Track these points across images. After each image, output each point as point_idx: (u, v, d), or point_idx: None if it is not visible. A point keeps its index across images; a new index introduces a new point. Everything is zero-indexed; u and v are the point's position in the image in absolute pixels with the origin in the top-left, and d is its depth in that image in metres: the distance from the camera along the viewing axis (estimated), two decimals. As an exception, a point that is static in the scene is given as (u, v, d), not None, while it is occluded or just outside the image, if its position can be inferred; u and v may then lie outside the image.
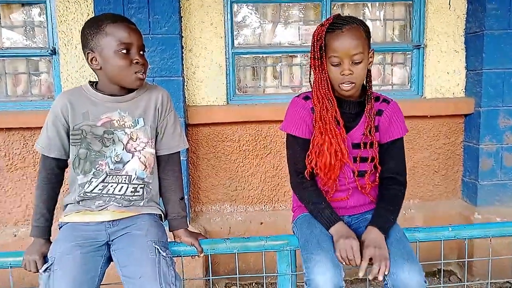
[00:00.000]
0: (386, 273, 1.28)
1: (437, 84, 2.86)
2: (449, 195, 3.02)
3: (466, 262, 1.58)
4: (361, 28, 1.38)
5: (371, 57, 1.42)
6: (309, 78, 1.49)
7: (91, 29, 1.34)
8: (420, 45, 2.82)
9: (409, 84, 2.93)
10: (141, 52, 1.38)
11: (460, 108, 2.85)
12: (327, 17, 1.42)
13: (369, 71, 1.47)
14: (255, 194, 2.86)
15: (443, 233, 1.54)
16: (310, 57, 1.44)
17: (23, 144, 2.63)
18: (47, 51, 2.64)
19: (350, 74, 1.36)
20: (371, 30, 1.45)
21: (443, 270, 2.89)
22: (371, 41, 1.44)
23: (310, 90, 1.50)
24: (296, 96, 1.53)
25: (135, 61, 1.35)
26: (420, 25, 2.82)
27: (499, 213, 2.76)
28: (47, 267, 1.32)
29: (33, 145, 2.62)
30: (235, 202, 2.85)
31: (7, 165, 2.65)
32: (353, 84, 1.38)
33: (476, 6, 2.68)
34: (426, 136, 2.91)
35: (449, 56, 2.83)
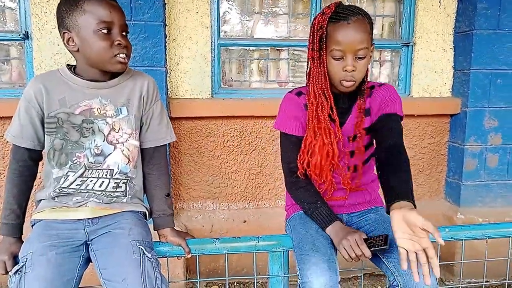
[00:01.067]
0: (437, 275, 1.08)
1: (424, 83, 2.84)
2: (433, 194, 3.01)
3: (462, 264, 1.53)
4: (366, 21, 1.28)
5: (372, 51, 1.33)
6: (306, 71, 1.40)
7: (68, 5, 1.20)
8: (409, 43, 2.79)
9: (397, 82, 2.89)
10: (124, 33, 1.25)
11: (446, 108, 2.84)
12: (328, 5, 1.30)
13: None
14: (239, 192, 2.77)
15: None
16: (308, 48, 1.33)
17: (-8, 134, 2.45)
18: (19, 35, 2.46)
19: (353, 70, 1.26)
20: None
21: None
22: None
23: (303, 85, 1.42)
24: (289, 92, 1.43)
25: (116, 42, 1.22)
26: (410, 22, 2.78)
27: (482, 214, 2.76)
28: (18, 269, 1.18)
29: (2, 135, 2.44)
30: (218, 200, 2.75)
31: (-27, 157, 2.46)
32: (355, 82, 1.29)
33: (467, 5, 2.66)
34: (412, 135, 2.88)
35: (437, 55, 2.80)
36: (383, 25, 2.94)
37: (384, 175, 1.24)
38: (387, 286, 1.35)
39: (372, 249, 1.23)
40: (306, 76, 1.39)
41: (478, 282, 2.67)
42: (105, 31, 1.20)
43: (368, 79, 1.41)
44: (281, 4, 2.80)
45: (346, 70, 1.26)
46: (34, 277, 1.15)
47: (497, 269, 1.93)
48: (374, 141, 1.43)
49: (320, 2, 2.69)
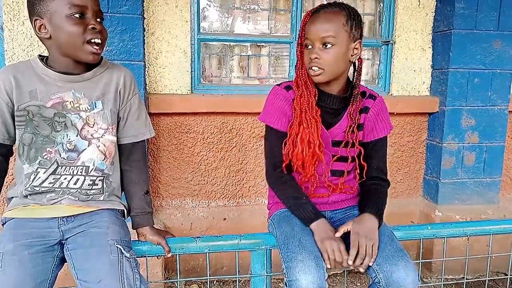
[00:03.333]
0: (370, 264, 1.23)
1: (403, 81, 2.86)
2: (411, 192, 3.04)
3: (443, 261, 1.55)
4: (343, 12, 1.29)
5: (356, 48, 1.32)
6: (295, 65, 1.41)
7: None
8: (389, 41, 2.81)
9: (377, 80, 2.91)
10: (98, 20, 1.19)
11: (425, 107, 2.87)
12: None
13: (355, 65, 1.39)
14: (219, 189, 2.73)
15: (422, 231, 1.51)
16: (297, 43, 1.38)
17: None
18: (-10, 26, 2.36)
19: (317, 58, 1.28)
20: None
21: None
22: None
23: (292, 80, 1.42)
24: (277, 85, 1.42)
25: (90, 26, 1.16)
26: (389, 21, 2.79)
27: (459, 211, 2.81)
28: None
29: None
30: (197, 197, 2.71)
31: None
32: (322, 70, 1.30)
33: (445, 5, 2.69)
34: (392, 133, 2.89)
35: (416, 53, 2.83)
36: (363, 23, 2.94)
37: (362, 193, 1.45)
38: (369, 283, 1.35)
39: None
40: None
41: (455, 279, 2.72)
42: (77, 15, 1.15)
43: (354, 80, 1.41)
44: (262, 0, 2.77)
45: (310, 58, 1.29)
46: (5, 279, 1.08)
47: (473, 265, 1.97)
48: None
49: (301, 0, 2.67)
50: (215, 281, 2.63)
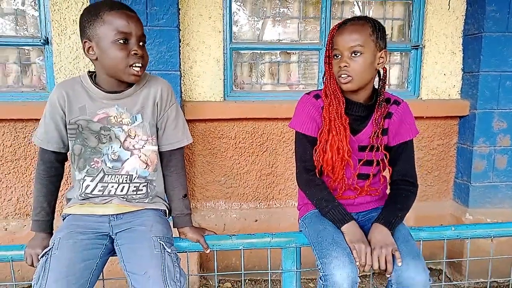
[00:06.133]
0: (390, 271, 1.29)
1: (433, 85, 2.88)
2: (441, 195, 3.04)
3: (468, 261, 1.58)
4: (368, 24, 1.38)
5: (382, 57, 1.40)
6: (323, 79, 1.49)
7: (89, 16, 1.27)
8: (418, 46, 2.83)
9: (406, 85, 2.94)
10: (141, 43, 1.30)
11: (455, 110, 2.87)
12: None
13: (380, 74, 1.46)
14: (250, 192, 2.83)
15: (445, 232, 1.55)
16: (325, 56, 1.47)
17: (14, 136, 2.54)
18: (40, 40, 2.56)
19: (346, 66, 1.36)
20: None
21: (432, 269, 2.92)
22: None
23: (320, 89, 1.51)
24: (306, 94, 1.51)
25: (133, 52, 1.27)
26: (419, 25, 2.82)
27: (490, 215, 2.79)
28: (46, 251, 1.28)
29: (24, 138, 2.54)
30: (230, 199, 2.82)
31: (-4, 157, 2.57)
32: (350, 78, 1.37)
33: (476, 8, 2.69)
34: (421, 137, 2.92)
35: (446, 57, 2.84)
36: (392, 28, 2.98)
37: (387, 197, 1.50)
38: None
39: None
40: (323, 80, 1.50)
41: (486, 283, 2.71)
42: (122, 41, 1.26)
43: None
44: (291, 8, 2.87)
45: (340, 67, 1.37)
46: (58, 258, 1.24)
47: (506, 269, 1.97)
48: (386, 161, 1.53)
49: (330, 6, 2.75)
50: (247, 280, 2.74)
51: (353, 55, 1.36)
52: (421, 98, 2.89)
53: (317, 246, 1.36)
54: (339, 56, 1.38)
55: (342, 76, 1.38)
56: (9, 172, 2.59)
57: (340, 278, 1.24)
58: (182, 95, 2.65)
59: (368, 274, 2.69)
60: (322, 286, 1.28)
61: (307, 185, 1.49)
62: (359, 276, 1.28)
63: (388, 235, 1.34)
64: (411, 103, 1.56)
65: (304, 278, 2.65)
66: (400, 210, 1.43)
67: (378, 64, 1.41)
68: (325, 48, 1.47)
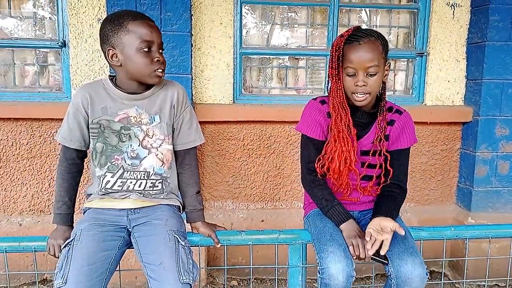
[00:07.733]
0: (382, 253, 1.36)
1: (437, 91, 2.95)
2: (444, 200, 3.10)
3: (466, 261, 1.65)
4: (379, 42, 1.43)
5: (386, 70, 1.48)
6: (326, 85, 1.56)
7: (113, 25, 1.36)
8: (423, 53, 2.91)
9: (411, 91, 3.01)
10: (160, 50, 1.41)
11: (459, 116, 2.94)
12: (348, 29, 1.48)
13: (383, 83, 1.54)
14: (257, 192, 2.91)
15: (445, 232, 1.62)
16: (329, 67, 1.50)
17: (31, 134, 2.65)
18: (57, 43, 2.66)
19: (364, 85, 1.42)
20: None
21: (435, 271, 2.97)
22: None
23: (326, 95, 1.58)
24: (313, 99, 1.59)
25: (156, 59, 1.37)
26: (424, 33, 2.90)
27: (492, 219, 2.84)
28: (68, 242, 1.37)
29: (40, 136, 2.64)
30: (237, 200, 2.90)
31: (13, 155, 2.66)
32: (367, 95, 1.44)
33: (479, 18, 2.76)
34: (425, 142, 2.99)
35: (450, 65, 2.91)
36: (398, 35, 3.06)
37: (378, 197, 1.59)
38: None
39: (373, 257, 1.40)
40: (327, 91, 1.55)
41: (488, 286, 2.76)
42: (146, 49, 1.36)
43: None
44: (299, 14, 2.95)
45: (357, 85, 1.43)
46: (79, 248, 1.33)
47: (506, 271, 2.03)
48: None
49: (337, 14, 2.83)
50: (253, 279, 2.81)
51: (369, 75, 1.42)
52: (425, 104, 2.96)
53: (317, 242, 1.46)
54: (353, 74, 1.43)
55: (359, 94, 1.44)
56: (24, 170, 2.69)
57: (335, 271, 1.33)
58: (193, 98, 2.74)
59: (370, 276, 2.76)
60: (320, 279, 1.38)
61: (310, 185, 1.58)
62: (360, 277, 1.36)
63: (390, 220, 1.40)
64: (415, 109, 1.64)
65: (309, 278, 2.72)
66: (394, 209, 1.50)
67: (384, 76, 1.49)
68: (329, 58, 1.49)
